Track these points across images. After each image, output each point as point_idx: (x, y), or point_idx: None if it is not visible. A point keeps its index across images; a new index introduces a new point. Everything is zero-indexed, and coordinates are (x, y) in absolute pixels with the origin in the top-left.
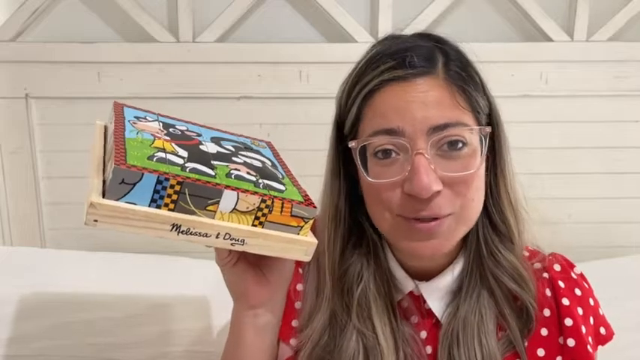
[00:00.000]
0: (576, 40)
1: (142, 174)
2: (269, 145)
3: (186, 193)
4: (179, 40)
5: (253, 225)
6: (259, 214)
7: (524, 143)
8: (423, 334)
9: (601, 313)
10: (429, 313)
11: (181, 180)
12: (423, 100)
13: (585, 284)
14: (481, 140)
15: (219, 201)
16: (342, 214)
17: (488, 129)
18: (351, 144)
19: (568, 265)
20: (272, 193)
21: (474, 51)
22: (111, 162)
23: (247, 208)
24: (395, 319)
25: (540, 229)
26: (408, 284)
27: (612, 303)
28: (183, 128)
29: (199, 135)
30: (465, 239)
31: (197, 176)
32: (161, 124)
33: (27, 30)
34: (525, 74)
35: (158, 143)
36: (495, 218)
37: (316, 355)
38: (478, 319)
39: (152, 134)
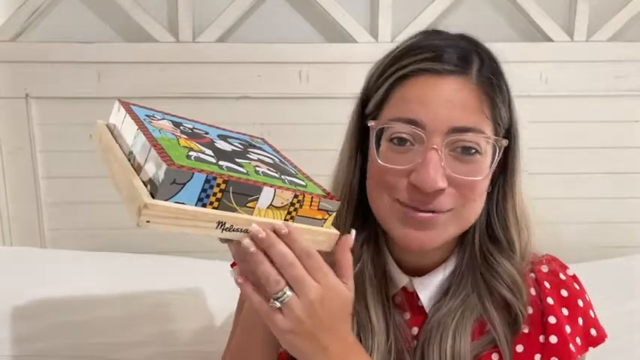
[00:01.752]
0: (576, 40)
1: (193, 173)
2: (264, 141)
3: (230, 191)
4: (179, 40)
5: (285, 219)
6: (291, 208)
7: (524, 143)
8: (415, 330)
9: (592, 315)
10: (421, 310)
11: (227, 178)
12: (451, 98)
13: (576, 285)
14: (495, 151)
15: (258, 197)
16: (354, 193)
17: (505, 142)
18: (371, 123)
19: (559, 267)
20: (299, 188)
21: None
22: (151, 163)
23: (282, 203)
24: (388, 304)
25: (540, 229)
26: (401, 279)
27: (612, 303)
28: (190, 126)
29: (207, 133)
30: (461, 240)
31: (238, 174)
32: (170, 122)
33: (27, 30)
34: (525, 74)
35: (183, 142)
36: (497, 230)
37: None
38: (458, 319)
39: (172, 133)
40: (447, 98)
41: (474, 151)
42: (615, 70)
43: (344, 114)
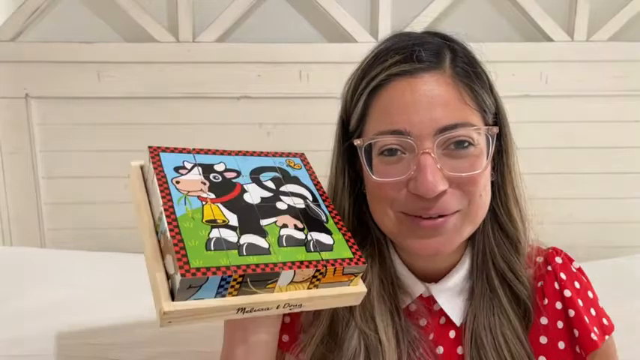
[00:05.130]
0: (576, 40)
1: (207, 278)
2: (302, 159)
3: (247, 282)
4: (179, 40)
5: (309, 288)
6: (314, 279)
7: (524, 143)
8: (431, 335)
9: (600, 305)
10: (439, 313)
11: (242, 273)
12: (430, 98)
13: (584, 277)
14: (488, 140)
15: (277, 280)
16: (347, 212)
17: (496, 129)
18: (357, 142)
19: (567, 259)
20: (323, 255)
21: (482, 50)
22: (170, 258)
23: (303, 278)
24: (399, 320)
25: (541, 229)
26: (417, 288)
27: (612, 303)
28: (222, 169)
29: (239, 174)
30: (471, 239)
31: (255, 260)
32: (200, 169)
33: (27, 30)
34: (525, 74)
35: (208, 213)
36: (502, 218)
37: (319, 353)
38: (499, 322)
39: (198, 196)
40: (426, 99)
41: (466, 144)
42: (615, 70)
43: None
